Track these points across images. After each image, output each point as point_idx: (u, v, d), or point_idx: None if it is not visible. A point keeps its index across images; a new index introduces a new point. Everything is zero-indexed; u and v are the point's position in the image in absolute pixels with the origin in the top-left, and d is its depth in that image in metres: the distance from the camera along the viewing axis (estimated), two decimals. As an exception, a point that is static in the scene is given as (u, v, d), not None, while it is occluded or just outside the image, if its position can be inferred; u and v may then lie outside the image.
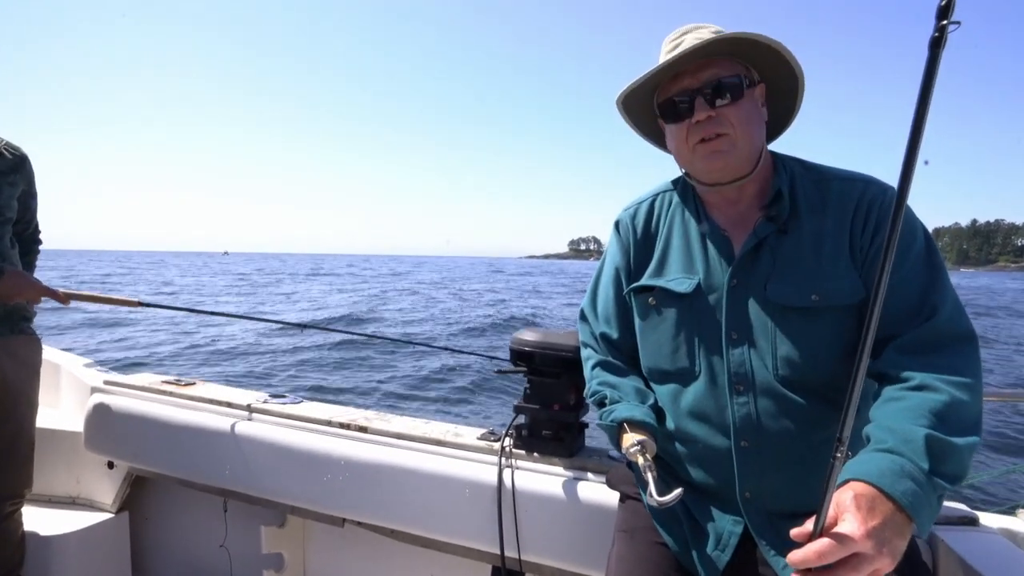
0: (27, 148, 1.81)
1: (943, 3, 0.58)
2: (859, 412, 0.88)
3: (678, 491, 0.88)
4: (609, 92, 1.07)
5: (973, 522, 1.24)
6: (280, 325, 2.50)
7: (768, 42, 0.98)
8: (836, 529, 0.72)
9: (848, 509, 0.73)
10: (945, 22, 0.58)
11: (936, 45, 0.59)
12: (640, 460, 0.99)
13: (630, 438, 1.02)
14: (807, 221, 1.02)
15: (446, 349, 2.76)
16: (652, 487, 0.92)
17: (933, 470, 0.77)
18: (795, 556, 0.72)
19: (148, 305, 1.95)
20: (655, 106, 1.10)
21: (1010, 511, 1.34)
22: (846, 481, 0.78)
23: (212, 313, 2.25)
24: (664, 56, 1.05)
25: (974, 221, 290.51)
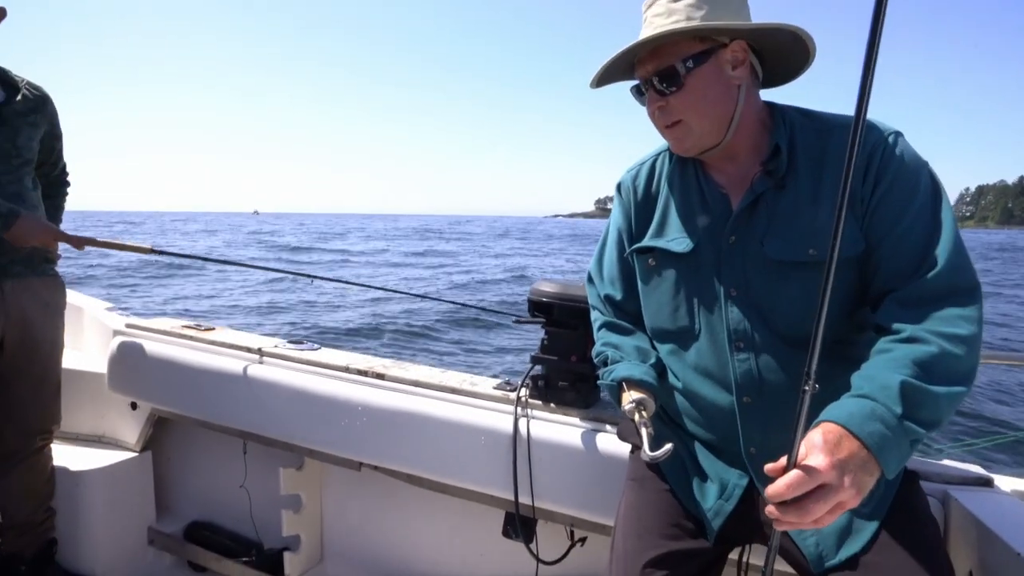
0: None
1: None
2: (857, 367, 0.88)
3: (668, 447, 0.90)
4: None
5: (988, 483, 1.24)
6: (291, 275, 2.50)
7: (709, 26, 0.96)
8: (804, 462, 0.76)
9: (816, 445, 0.77)
10: None
11: None
12: (636, 417, 1.00)
13: (628, 396, 1.04)
14: (806, 174, 0.99)
15: (464, 305, 2.77)
16: (646, 444, 0.94)
17: (906, 415, 0.79)
18: (769, 490, 0.76)
19: (161, 252, 1.96)
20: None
21: None
22: (819, 423, 0.81)
23: (224, 262, 2.26)
24: (642, 25, 1.04)
25: (1021, 178, 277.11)
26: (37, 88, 1.76)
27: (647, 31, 1.00)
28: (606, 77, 1.09)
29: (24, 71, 1.76)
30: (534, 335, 1.55)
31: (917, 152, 0.95)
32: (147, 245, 1.90)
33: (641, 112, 1.11)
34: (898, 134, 0.96)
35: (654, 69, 1.00)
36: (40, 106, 1.75)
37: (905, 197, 0.92)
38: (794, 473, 0.74)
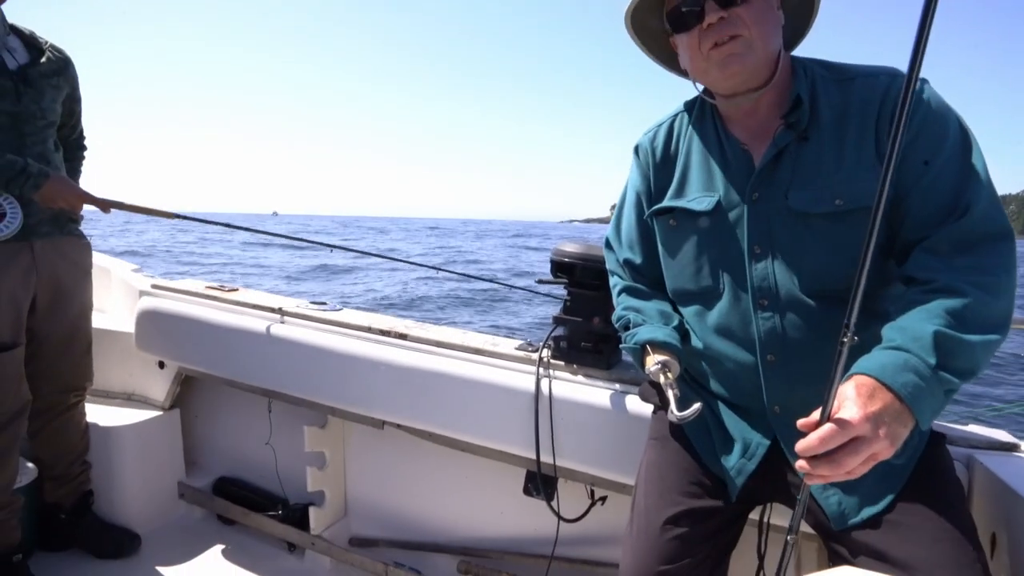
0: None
1: None
2: (884, 321, 0.86)
3: (696, 406, 0.89)
4: None
5: (1013, 448, 1.23)
6: (310, 244, 2.49)
7: None
8: (837, 415, 0.74)
9: (849, 398, 0.76)
10: None
11: None
12: (661, 379, 1.00)
13: (652, 359, 1.03)
14: (829, 124, 0.96)
15: (482, 279, 2.75)
16: (673, 404, 0.93)
17: (940, 365, 0.78)
18: (800, 444, 0.75)
19: (185, 217, 1.98)
20: (664, 20, 1.03)
21: None
22: (851, 376, 0.80)
23: (248, 230, 2.26)
24: None
25: None
26: (60, 51, 1.76)
27: None
28: (635, 23, 1.05)
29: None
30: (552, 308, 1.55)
31: (944, 99, 0.92)
32: (170, 211, 1.92)
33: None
34: (924, 81, 0.92)
35: None
36: (63, 68, 1.75)
37: (934, 144, 0.89)
38: (827, 427, 0.74)
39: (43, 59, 1.70)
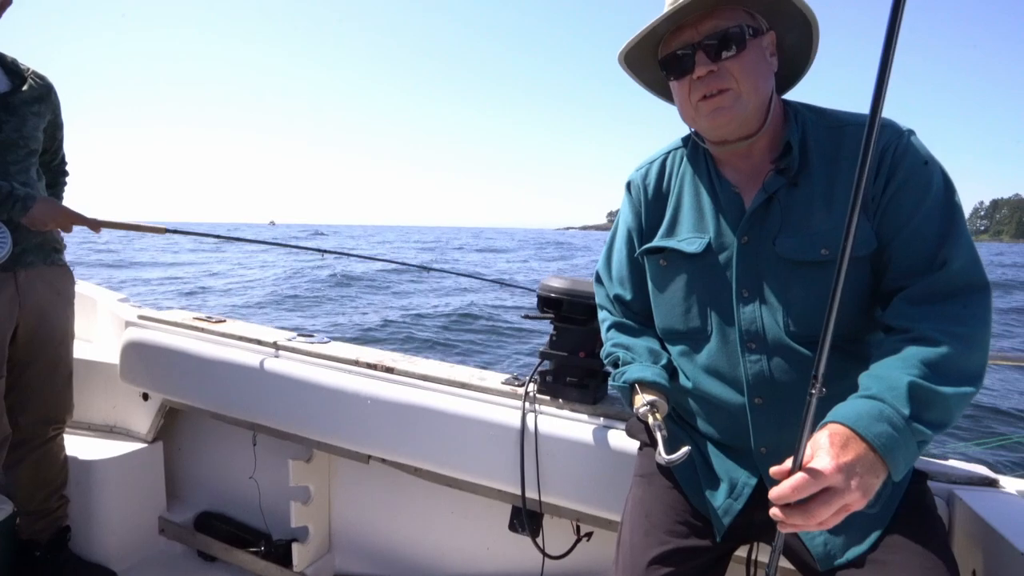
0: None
1: None
2: (868, 365, 0.88)
3: (685, 449, 0.89)
4: None
5: (993, 484, 1.25)
6: (304, 250, 2.50)
7: None
8: (810, 464, 0.75)
9: (822, 447, 0.77)
10: None
11: None
12: (650, 420, 1.00)
13: (641, 398, 1.03)
14: (819, 172, 0.98)
15: (484, 279, 2.78)
16: (661, 446, 0.94)
17: (914, 416, 0.78)
18: (773, 492, 0.75)
19: (176, 232, 1.98)
20: (658, 61, 1.05)
21: None
22: (826, 424, 0.80)
23: (238, 240, 2.26)
24: (667, 6, 0.99)
25: None
26: (42, 77, 1.77)
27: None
28: (633, 57, 1.06)
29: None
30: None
31: (929, 151, 0.95)
32: (161, 226, 1.93)
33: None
34: (911, 132, 0.95)
35: (711, 30, 0.95)
36: (45, 95, 1.76)
37: (917, 196, 0.91)
38: (799, 476, 0.74)
39: (25, 86, 1.70)
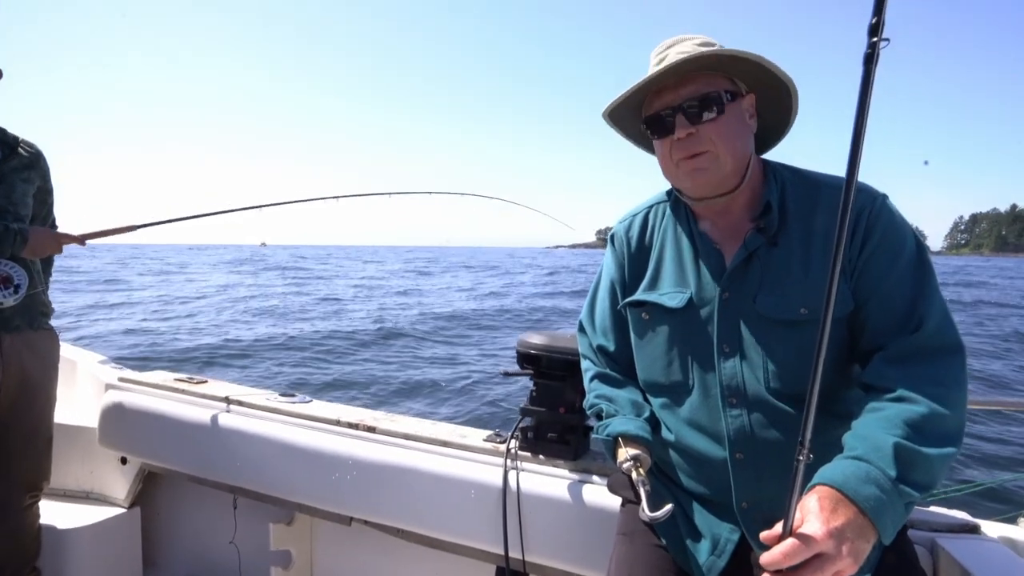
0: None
1: (873, 21, 0.62)
2: (846, 422, 0.89)
3: (668, 507, 0.90)
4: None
5: (974, 530, 1.25)
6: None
7: (749, 57, 0.98)
8: (800, 530, 0.75)
9: (812, 511, 0.77)
10: (876, 39, 0.62)
11: (869, 61, 0.63)
12: (634, 475, 1.00)
13: (624, 453, 1.04)
14: (797, 232, 1.02)
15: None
16: (645, 503, 0.94)
17: (900, 478, 0.79)
18: (764, 558, 0.75)
19: (144, 225, 2.02)
20: (642, 120, 1.09)
21: (1011, 520, 1.35)
22: (814, 486, 0.81)
23: (191, 217, 2.17)
24: (651, 69, 1.05)
25: (1013, 206, 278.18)
26: (31, 146, 1.81)
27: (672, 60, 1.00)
28: (617, 113, 1.10)
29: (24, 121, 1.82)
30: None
31: (902, 215, 0.99)
32: (126, 224, 1.99)
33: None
34: (884, 197, 0.99)
35: (691, 94, 0.99)
36: (34, 162, 1.80)
37: (891, 258, 0.95)
38: (790, 542, 0.74)
39: (14, 155, 1.74)
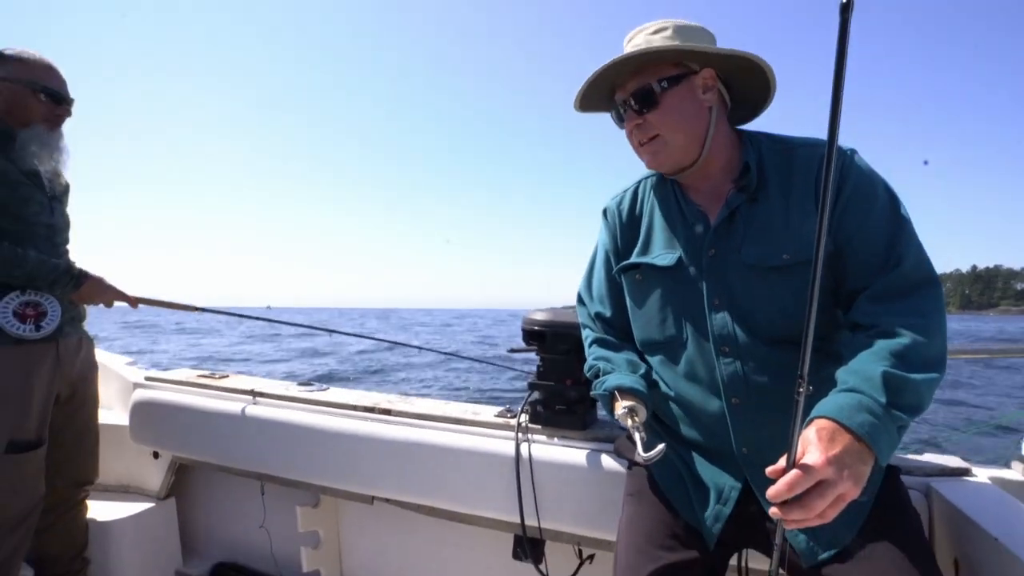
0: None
1: None
2: (836, 361, 0.95)
3: (661, 446, 0.95)
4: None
5: (967, 473, 1.29)
6: (310, 329, 2.70)
7: (682, 47, 1.05)
8: (802, 461, 0.80)
9: (811, 443, 0.82)
10: None
11: (845, 10, 0.63)
12: (628, 422, 1.06)
13: (620, 404, 1.10)
14: (776, 188, 1.09)
15: (469, 358, 2.92)
16: (639, 446, 0.99)
17: (891, 403, 0.85)
18: (770, 491, 0.80)
19: (206, 310, 2.09)
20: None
21: (1005, 465, 1.39)
22: (812, 420, 0.86)
23: (268, 320, 2.40)
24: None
25: (974, 267, 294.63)
26: (59, 173, 1.89)
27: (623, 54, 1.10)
28: (588, 103, 1.19)
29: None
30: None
31: (871, 166, 1.05)
32: (195, 304, 2.05)
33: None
34: (853, 151, 1.06)
35: (632, 89, 1.10)
36: (67, 189, 1.90)
37: (867, 202, 1.02)
38: (793, 473, 0.78)
39: (60, 177, 1.84)
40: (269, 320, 2.46)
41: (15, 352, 1.63)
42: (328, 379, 12.38)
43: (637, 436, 1.02)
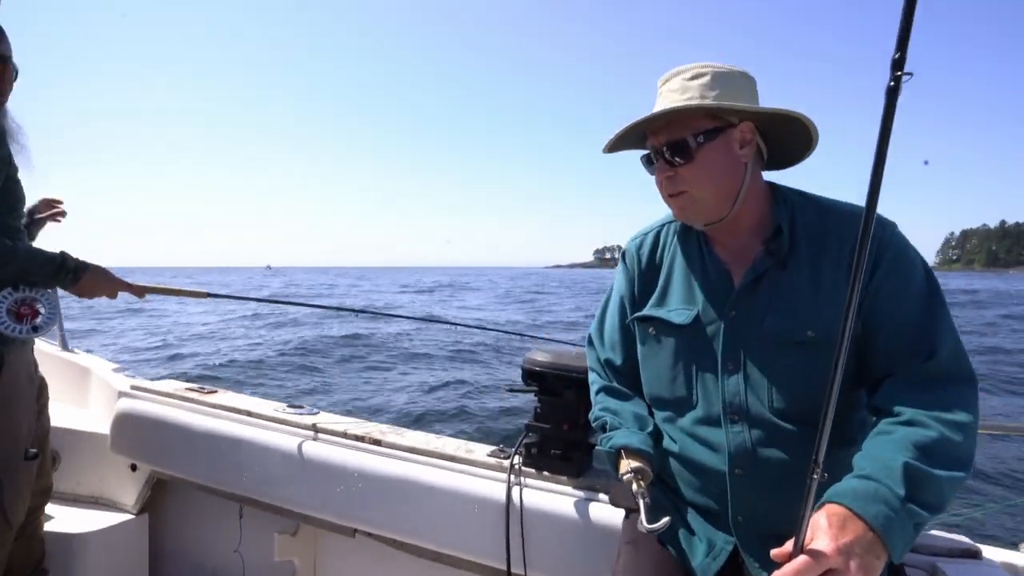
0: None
1: (896, 56, 0.63)
2: (851, 445, 0.91)
3: (665, 520, 0.92)
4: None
5: (975, 555, 1.25)
6: (340, 311, 2.68)
7: (724, 106, 1.01)
8: (810, 547, 0.76)
9: (821, 528, 0.78)
10: (899, 73, 0.64)
11: (892, 94, 0.64)
12: (634, 487, 1.02)
13: (626, 464, 1.06)
14: (807, 255, 1.04)
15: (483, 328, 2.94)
16: (643, 515, 0.96)
17: (909, 497, 0.80)
18: (776, 575, 0.76)
19: (216, 296, 2.03)
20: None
21: (1013, 546, 1.35)
22: (823, 504, 0.82)
23: (274, 301, 2.36)
24: (657, 99, 1.09)
25: (1003, 223, 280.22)
26: None
27: (662, 104, 1.06)
28: (618, 144, 1.15)
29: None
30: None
31: (910, 242, 1.00)
32: (203, 290, 1.99)
33: (639, 167, 1.15)
34: (893, 225, 1.01)
35: (666, 140, 1.05)
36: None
37: (902, 283, 0.97)
38: (801, 559, 0.75)
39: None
40: (282, 302, 2.36)
41: (23, 351, 1.57)
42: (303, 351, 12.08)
43: (642, 503, 0.98)
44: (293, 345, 12.60)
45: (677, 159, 1.04)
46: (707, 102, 1.02)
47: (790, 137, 1.10)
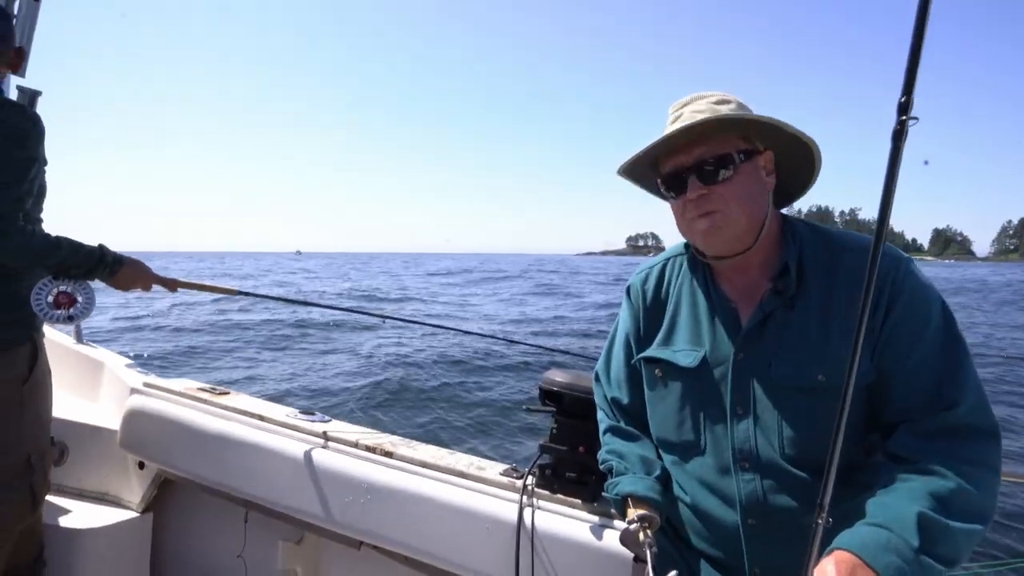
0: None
1: (903, 100, 0.63)
2: (862, 492, 0.88)
3: (673, 574, 0.88)
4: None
5: None
6: (370, 316, 2.73)
7: (765, 121, 0.98)
8: None
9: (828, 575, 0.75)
10: (905, 117, 0.63)
11: (897, 138, 0.64)
12: (640, 537, 0.99)
13: (632, 513, 1.03)
14: (816, 294, 0.99)
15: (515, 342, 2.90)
16: (650, 567, 0.93)
17: (923, 549, 0.77)
18: None
19: (247, 294, 2.03)
20: (659, 180, 1.09)
21: None
22: (832, 551, 0.79)
23: (307, 303, 2.39)
24: (668, 125, 1.05)
25: None
26: None
27: (687, 120, 1.00)
28: (631, 170, 1.10)
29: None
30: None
31: (927, 279, 0.95)
32: (234, 287, 1.99)
33: None
34: (909, 261, 0.97)
35: (704, 155, 0.99)
36: None
37: (918, 327, 0.92)
38: None
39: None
40: (313, 304, 2.39)
41: (42, 341, 1.60)
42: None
43: (649, 554, 0.95)
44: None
45: (723, 172, 0.99)
46: (766, 117, 0.98)
47: (789, 176, 1.08)
